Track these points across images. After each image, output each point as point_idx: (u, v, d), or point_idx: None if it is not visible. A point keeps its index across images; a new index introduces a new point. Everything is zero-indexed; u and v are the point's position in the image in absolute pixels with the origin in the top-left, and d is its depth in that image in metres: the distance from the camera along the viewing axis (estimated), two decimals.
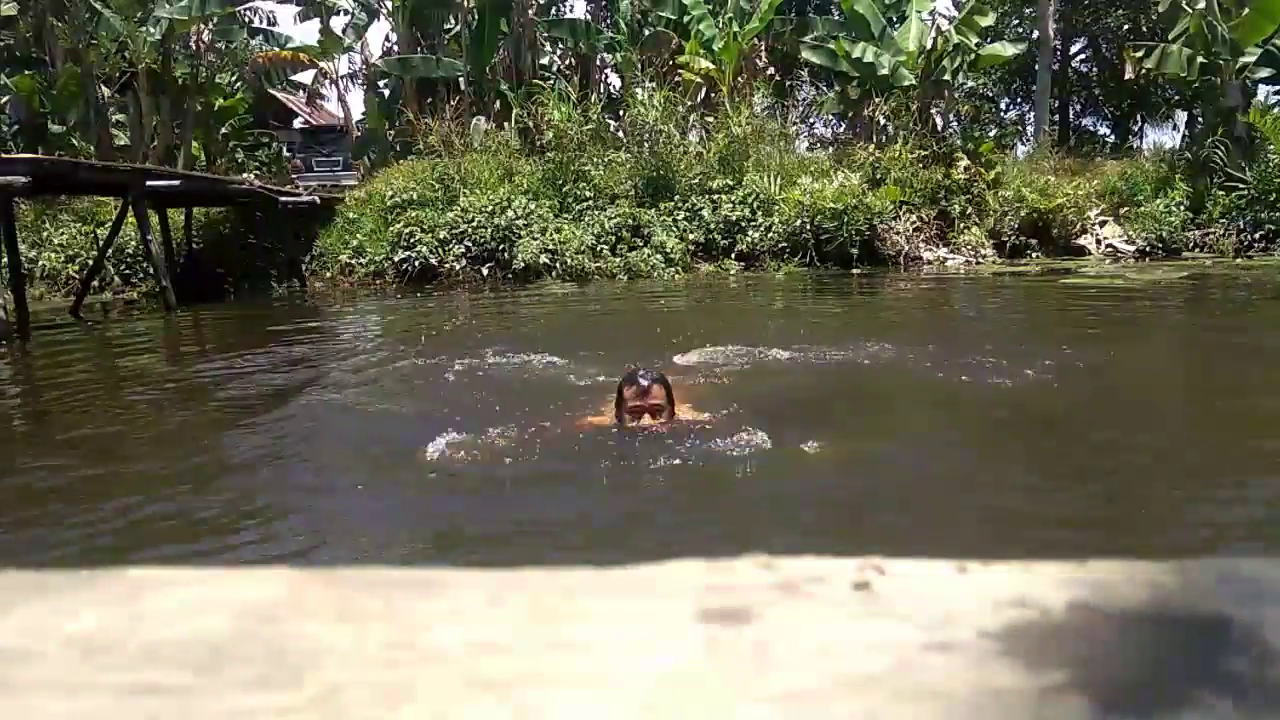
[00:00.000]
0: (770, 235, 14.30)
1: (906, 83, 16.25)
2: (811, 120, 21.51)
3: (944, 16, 18.28)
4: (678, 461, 3.39)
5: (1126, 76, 18.58)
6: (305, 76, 23.76)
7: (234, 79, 21.63)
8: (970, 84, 17.35)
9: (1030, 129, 23.83)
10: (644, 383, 3.65)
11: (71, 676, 0.30)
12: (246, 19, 21.03)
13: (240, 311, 11.97)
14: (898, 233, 14.54)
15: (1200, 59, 15.44)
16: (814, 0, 23.14)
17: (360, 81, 23.35)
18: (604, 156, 15.35)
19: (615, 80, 21.68)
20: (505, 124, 17.39)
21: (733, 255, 14.40)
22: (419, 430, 4.10)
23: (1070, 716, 0.27)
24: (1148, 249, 15.00)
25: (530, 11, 19.70)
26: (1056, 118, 24.95)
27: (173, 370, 7.42)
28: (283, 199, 14.43)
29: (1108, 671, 0.28)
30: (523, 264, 13.65)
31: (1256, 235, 14.70)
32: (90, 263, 12.83)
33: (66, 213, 14.92)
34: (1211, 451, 3.77)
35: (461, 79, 19.08)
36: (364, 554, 2.85)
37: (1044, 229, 15.38)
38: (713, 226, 14.49)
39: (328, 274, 14.83)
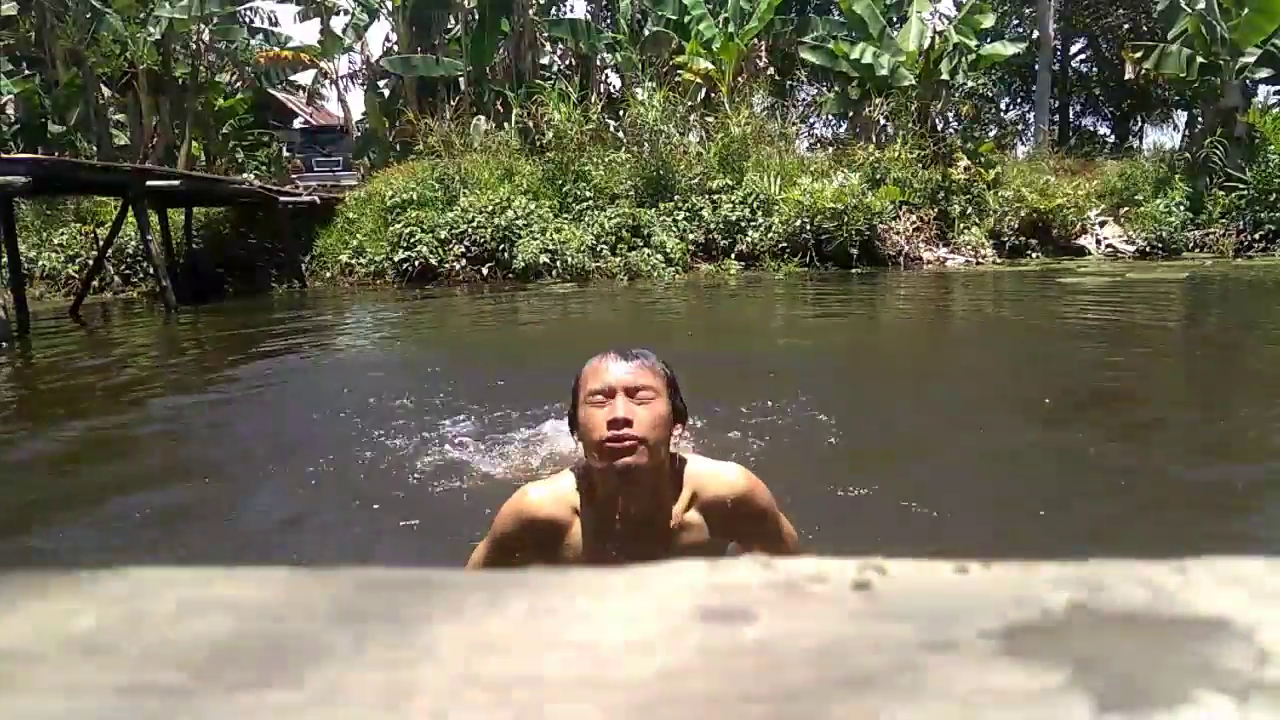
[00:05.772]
0: (770, 235, 14.29)
1: (906, 83, 16.25)
2: (811, 120, 21.50)
3: (944, 16, 18.27)
4: None
5: (1126, 76, 18.57)
6: (305, 76, 23.81)
7: (234, 79, 21.62)
8: (970, 84, 17.33)
9: (1030, 129, 23.84)
10: (624, 367, 1.71)
11: (71, 676, 0.30)
12: (246, 19, 21.04)
13: (240, 311, 11.96)
14: (897, 233, 14.54)
15: (1200, 59, 15.44)
16: (814, 0, 23.12)
17: (360, 81, 23.31)
18: (604, 156, 15.34)
19: (615, 80, 21.67)
20: (505, 124, 17.38)
21: (733, 255, 14.40)
22: (417, 434, 4.10)
23: (1070, 716, 0.27)
24: (1148, 249, 15.01)
25: (530, 11, 19.69)
26: (1056, 118, 24.94)
27: (173, 370, 7.42)
28: (283, 199, 14.44)
29: (1108, 671, 0.28)
30: (523, 264, 13.65)
31: (1256, 235, 14.71)
32: (90, 263, 12.83)
33: (66, 213, 14.92)
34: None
35: (461, 79, 19.07)
36: (364, 554, 2.85)
37: (1044, 229, 15.38)
38: (713, 226, 14.48)
39: (328, 274, 14.84)
